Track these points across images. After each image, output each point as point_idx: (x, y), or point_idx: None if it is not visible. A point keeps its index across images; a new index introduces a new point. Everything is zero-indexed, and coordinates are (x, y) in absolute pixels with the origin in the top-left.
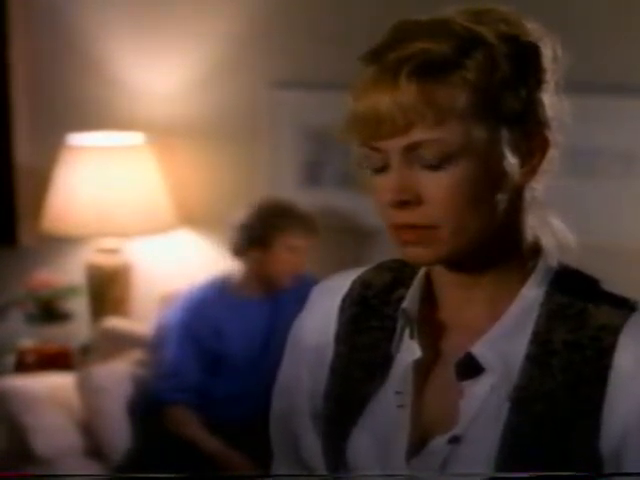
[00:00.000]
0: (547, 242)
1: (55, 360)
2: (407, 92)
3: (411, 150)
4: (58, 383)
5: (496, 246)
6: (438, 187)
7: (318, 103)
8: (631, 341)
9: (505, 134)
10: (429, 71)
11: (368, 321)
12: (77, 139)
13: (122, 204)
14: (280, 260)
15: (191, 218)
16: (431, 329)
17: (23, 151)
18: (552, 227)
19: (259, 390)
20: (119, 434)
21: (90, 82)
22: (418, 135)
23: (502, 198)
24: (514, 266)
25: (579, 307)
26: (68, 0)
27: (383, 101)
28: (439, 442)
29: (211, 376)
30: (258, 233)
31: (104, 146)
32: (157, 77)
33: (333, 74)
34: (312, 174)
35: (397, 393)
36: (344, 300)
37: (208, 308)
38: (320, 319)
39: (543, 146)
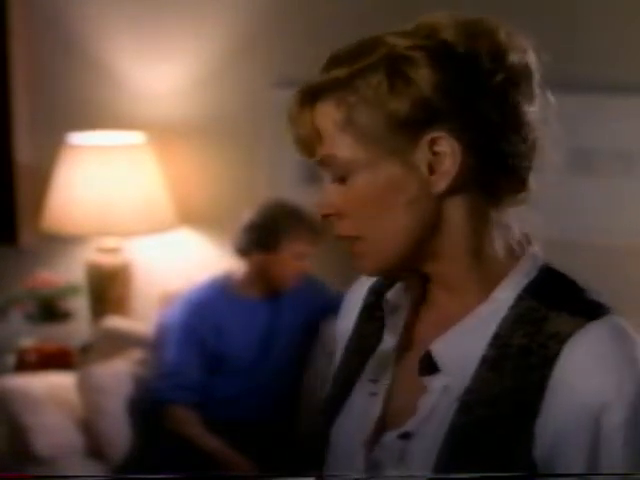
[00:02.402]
0: (530, 245)
1: (55, 359)
2: (300, 117)
3: (320, 166)
4: (58, 383)
5: (454, 252)
6: (345, 199)
7: None
8: (575, 351)
9: (394, 143)
10: (316, 96)
11: (375, 310)
12: (77, 138)
13: (122, 203)
14: (285, 264)
15: (191, 217)
16: (414, 322)
17: (23, 150)
18: (532, 229)
19: (259, 390)
20: (119, 434)
21: (90, 82)
22: (318, 153)
23: (419, 206)
24: (495, 267)
25: (543, 313)
26: (68, 0)
27: (290, 127)
28: (391, 437)
29: (211, 376)
30: (265, 236)
31: (104, 145)
32: (157, 77)
33: None
34: (312, 173)
35: (370, 381)
36: (368, 291)
37: (209, 307)
38: (350, 308)
39: (453, 151)
